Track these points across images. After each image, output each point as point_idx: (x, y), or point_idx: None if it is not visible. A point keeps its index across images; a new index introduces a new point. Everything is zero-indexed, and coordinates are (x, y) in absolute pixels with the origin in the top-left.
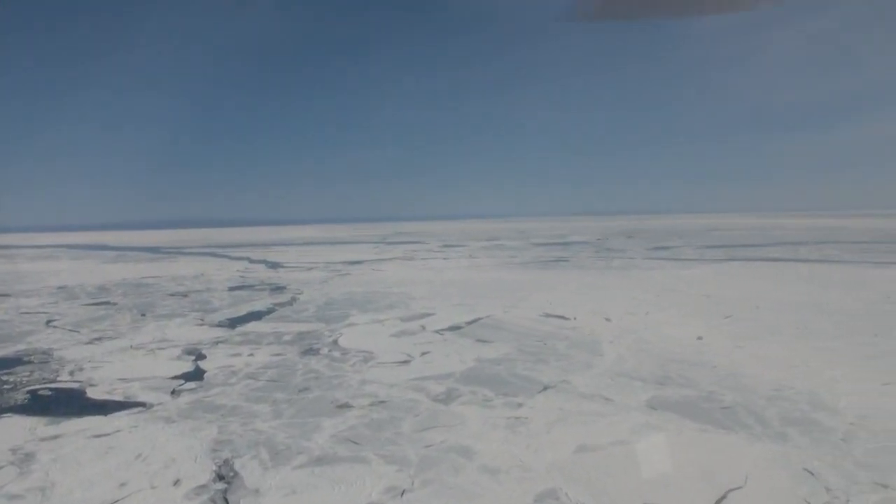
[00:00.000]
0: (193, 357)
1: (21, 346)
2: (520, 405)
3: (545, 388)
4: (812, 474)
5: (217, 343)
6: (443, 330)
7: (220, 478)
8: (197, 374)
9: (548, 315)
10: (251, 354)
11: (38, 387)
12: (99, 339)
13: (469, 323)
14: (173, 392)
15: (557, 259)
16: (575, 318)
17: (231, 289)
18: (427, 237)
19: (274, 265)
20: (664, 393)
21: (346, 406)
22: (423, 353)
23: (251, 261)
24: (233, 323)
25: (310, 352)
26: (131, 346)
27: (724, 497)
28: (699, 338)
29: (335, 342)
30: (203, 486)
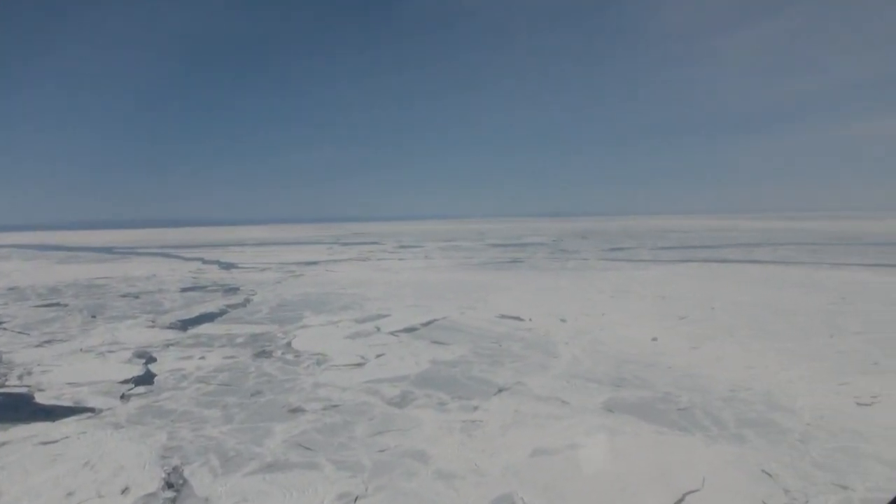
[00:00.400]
0: (144, 360)
1: None
2: (475, 408)
3: (500, 391)
4: (770, 476)
5: (168, 346)
6: (398, 331)
7: (170, 486)
8: (147, 378)
9: (503, 316)
10: (202, 357)
11: None
12: (49, 341)
13: (424, 324)
14: (123, 397)
15: (513, 260)
16: (530, 320)
17: (183, 290)
18: (383, 238)
19: (227, 266)
20: (620, 395)
21: (298, 410)
22: (378, 356)
23: (204, 261)
24: (184, 325)
25: (262, 354)
26: (81, 349)
27: (681, 500)
28: (654, 339)
29: (288, 344)
30: (152, 495)
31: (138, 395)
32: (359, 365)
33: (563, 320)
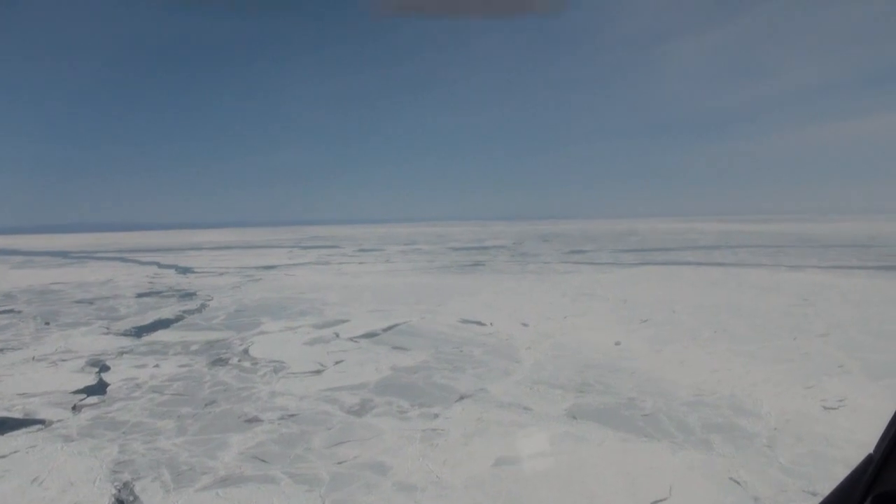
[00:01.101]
0: (97, 369)
1: None
2: (436, 416)
3: (462, 398)
4: (738, 483)
5: (122, 353)
6: (357, 337)
7: (120, 503)
8: (100, 388)
9: (465, 321)
10: (157, 366)
11: None
12: (0, 350)
13: (385, 330)
14: (74, 408)
15: (475, 263)
16: (492, 324)
17: (139, 295)
18: (343, 241)
19: (184, 270)
20: (584, 401)
21: (254, 420)
22: (337, 362)
23: (161, 266)
24: (139, 331)
25: (218, 362)
26: (34, 358)
27: None
28: (617, 343)
29: (245, 351)
30: None
31: (90, 405)
32: (317, 372)
33: (524, 324)
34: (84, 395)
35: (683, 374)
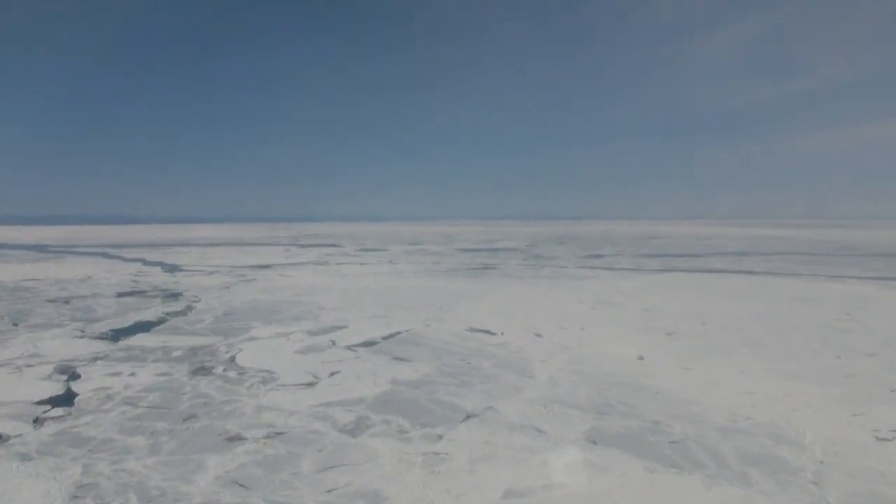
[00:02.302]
0: (66, 377)
1: None
2: (439, 437)
3: (468, 417)
4: None
5: (95, 359)
6: (355, 346)
7: None
8: (67, 398)
9: (473, 329)
10: (132, 374)
11: None
12: None
13: (385, 338)
14: (36, 421)
15: (484, 266)
16: (503, 334)
17: (120, 295)
18: (343, 240)
19: (171, 268)
20: (604, 423)
21: (237, 439)
22: (332, 374)
23: (146, 262)
24: (116, 335)
25: (201, 371)
26: None
27: None
28: (641, 357)
29: (232, 359)
30: None
31: (54, 418)
32: (309, 385)
33: (538, 335)
34: (48, 407)
35: (715, 396)
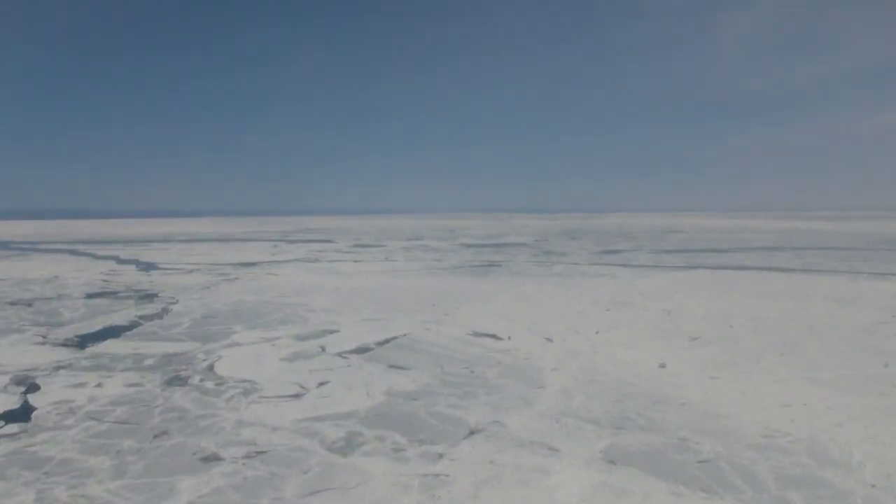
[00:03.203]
0: (23, 388)
1: None
2: (440, 456)
3: (472, 433)
4: None
5: (57, 369)
6: (347, 352)
7: None
8: (23, 413)
9: (477, 334)
10: (98, 385)
11: None
12: None
13: (381, 343)
14: None
15: (490, 264)
16: (509, 338)
17: (89, 296)
18: (337, 235)
19: (147, 266)
20: (624, 440)
21: (213, 459)
22: (321, 384)
23: (119, 261)
24: (83, 341)
25: (175, 381)
26: None
27: None
28: (662, 365)
29: (210, 368)
30: None
31: (7, 436)
32: (296, 396)
33: (548, 339)
34: (1, 423)
35: (747, 409)
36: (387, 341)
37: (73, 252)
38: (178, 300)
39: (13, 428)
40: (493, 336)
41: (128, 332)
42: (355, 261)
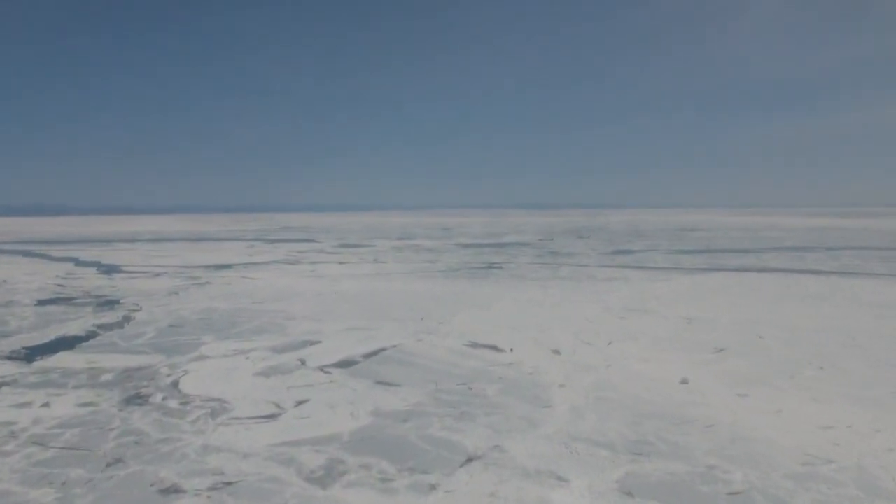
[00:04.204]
0: None
1: None
2: (433, 488)
3: (470, 460)
4: None
5: (0, 385)
6: (330, 366)
7: None
8: None
9: (475, 345)
10: (46, 404)
11: None
12: None
13: (367, 356)
14: None
15: (489, 266)
16: (512, 350)
17: (41, 303)
18: (321, 233)
19: (109, 269)
20: (642, 468)
21: (173, 491)
22: (299, 403)
23: (78, 263)
24: (31, 354)
25: (135, 400)
26: None
27: None
28: (684, 381)
29: (174, 384)
30: None
31: None
32: (270, 417)
33: (556, 351)
34: None
35: (783, 431)
36: (374, 354)
37: (26, 253)
38: (141, 307)
39: None
40: (494, 348)
41: (83, 344)
42: (340, 263)
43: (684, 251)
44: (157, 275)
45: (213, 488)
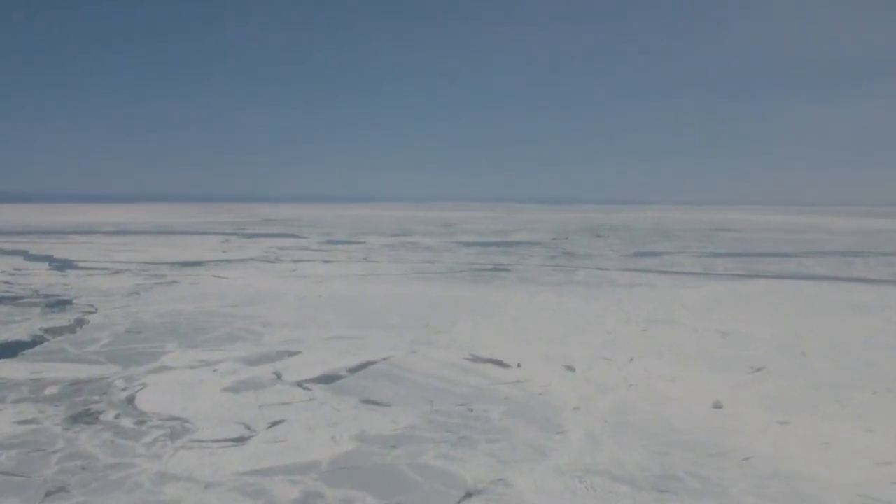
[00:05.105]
0: None
1: None
2: None
3: (468, 495)
4: None
5: None
6: (310, 381)
7: None
8: None
9: (477, 359)
10: None
11: None
12: None
13: (353, 370)
14: None
15: (494, 268)
16: (519, 366)
17: None
18: (304, 228)
19: (62, 265)
20: None
21: None
22: (273, 424)
23: (29, 257)
24: None
25: (83, 417)
26: None
27: None
28: (717, 405)
29: (130, 400)
30: None
31: None
32: (239, 441)
33: (569, 368)
34: None
35: (832, 466)
36: (361, 367)
37: None
38: (97, 309)
39: None
40: (499, 362)
41: (27, 351)
42: (326, 262)
43: (717, 254)
44: (117, 272)
45: None
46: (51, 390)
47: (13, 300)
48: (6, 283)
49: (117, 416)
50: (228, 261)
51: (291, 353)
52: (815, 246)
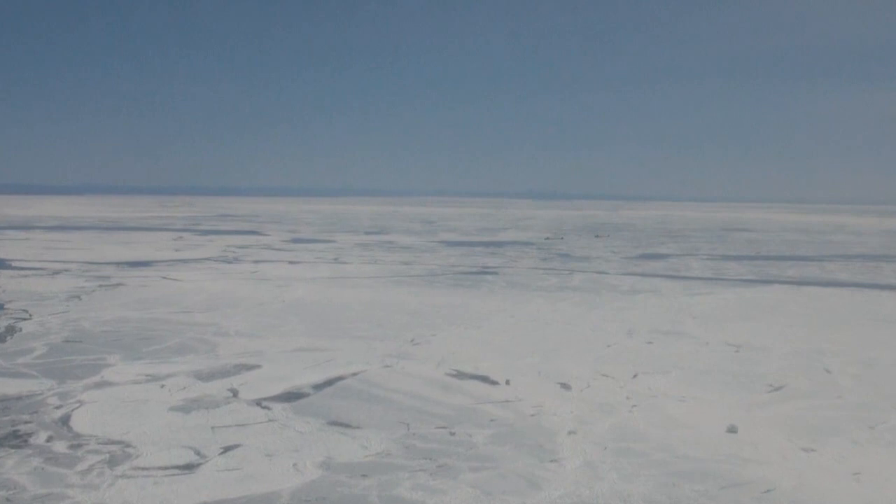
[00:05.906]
0: None
1: None
2: None
3: None
4: None
5: None
6: (270, 399)
7: None
8: None
9: (461, 374)
10: None
11: None
12: None
13: (319, 386)
14: None
15: (481, 271)
16: (508, 383)
17: None
18: (267, 224)
19: None
20: None
21: None
22: (227, 449)
23: None
24: None
25: (10, 440)
26: None
27: None
28: (732, 429)
29: (64, 420)
30: None
31: None
32: (188, 468)
33: (564, 385)
34: None
35: (864, 500)
36: (328, 384)
37: None
38: (31, 315)
39: None
40: (485, 379)
41: None
42: (291, 262)
43: (729, 257)
44: (56, 273)
45: None
46: None
47: None
48: None
49: (49, 440)
50: (181, 261)
51: (249, 367)
52: (839, 249)
